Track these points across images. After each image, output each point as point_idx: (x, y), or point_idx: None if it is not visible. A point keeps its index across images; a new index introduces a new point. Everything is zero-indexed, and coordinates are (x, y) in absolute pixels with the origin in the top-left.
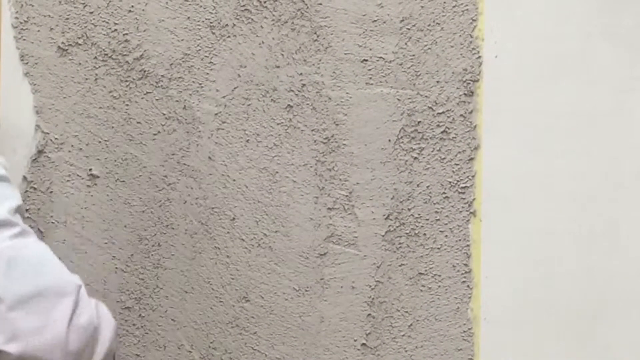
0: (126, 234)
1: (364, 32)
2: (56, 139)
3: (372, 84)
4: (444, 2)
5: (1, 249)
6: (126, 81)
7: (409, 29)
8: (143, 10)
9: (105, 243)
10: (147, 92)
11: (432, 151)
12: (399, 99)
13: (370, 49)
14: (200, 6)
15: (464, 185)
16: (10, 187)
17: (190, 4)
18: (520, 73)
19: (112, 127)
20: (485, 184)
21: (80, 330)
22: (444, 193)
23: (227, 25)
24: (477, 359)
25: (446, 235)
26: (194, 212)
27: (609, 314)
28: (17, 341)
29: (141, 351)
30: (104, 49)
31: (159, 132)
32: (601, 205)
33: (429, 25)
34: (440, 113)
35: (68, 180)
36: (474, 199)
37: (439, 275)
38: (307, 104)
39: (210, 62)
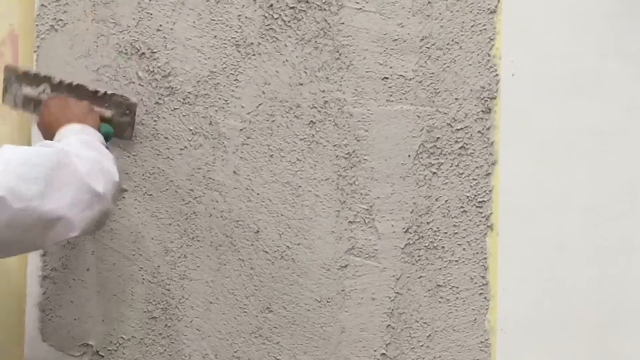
0: (153, 246)
1: (384, 51)
2: None
3: (392, 101)
4: (463, 22)
5: None
6: (154, 97)
7: (428, 47)
8: (171, 29)
9: (133, 255)
10: (175, 109)
11: (451, 166)
12: (418, 116)
13: (391, 67)
14: (227, 25)
15: (481, 199)
16: None
17: (216, 23)
18: (537, 91)
19: (140, 142)
20: (502, 199)
21: None
22: (462, 207)
23: (252, 43)
24: None
25: (464, 249)
26: (219, 225)
27: (623, 326)
28: None
29: None
30: (132, 66)
31: (185, 147)
32: (615, 219)
33: (448, 44)
34: (458, 129)
35: None
36: (491, 213)
37: (457, 287)
38: (329, 120)
39: (236, 80)
